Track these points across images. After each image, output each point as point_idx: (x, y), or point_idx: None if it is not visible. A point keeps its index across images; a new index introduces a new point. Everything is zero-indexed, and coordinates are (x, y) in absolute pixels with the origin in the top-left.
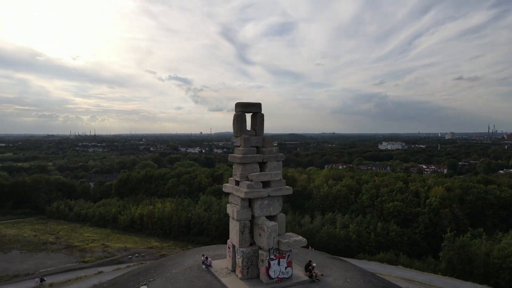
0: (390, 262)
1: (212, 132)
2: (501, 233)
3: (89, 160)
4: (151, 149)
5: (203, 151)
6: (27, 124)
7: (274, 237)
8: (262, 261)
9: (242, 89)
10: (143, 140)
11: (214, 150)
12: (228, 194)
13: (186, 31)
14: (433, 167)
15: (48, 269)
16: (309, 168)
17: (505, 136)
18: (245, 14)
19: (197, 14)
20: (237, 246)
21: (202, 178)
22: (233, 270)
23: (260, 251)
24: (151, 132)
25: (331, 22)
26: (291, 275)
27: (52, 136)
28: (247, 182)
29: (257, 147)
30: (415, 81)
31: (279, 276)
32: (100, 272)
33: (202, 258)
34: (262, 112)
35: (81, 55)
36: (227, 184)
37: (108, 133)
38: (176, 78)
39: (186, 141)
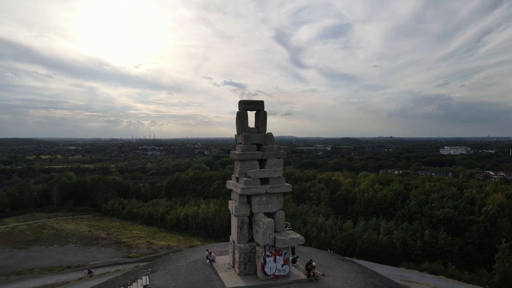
0: (436, 272)
1: None
2: None
3: (147, 163)
4: (206, 152)
5: None
6: (95, 128)
7: (270, 234)
8: (258, 257)
9: (296, 93)
10: (198, 144)
11: None
12: None
13: (241, 36)
14: (502, 173)
15: (97, 262)
16: (362, 172)
17: None
18: (299, 17)
19: (251, 20)
20: (235, 241)
21: None
22: (233, 266)
23: (257, 248)
24: (206, 136)
25: (389, 22)
26: (288, 273)
27: (116, 140)
28: (245, 178)
29: (260, 144)
30: (484, 81)
31: (275, 273)
32: (136, 266)
33: (206, 253)
34: (265, 109)
35: (143, 63)
36: (229, 181)
37: (166, 137)
38: (231, 83)
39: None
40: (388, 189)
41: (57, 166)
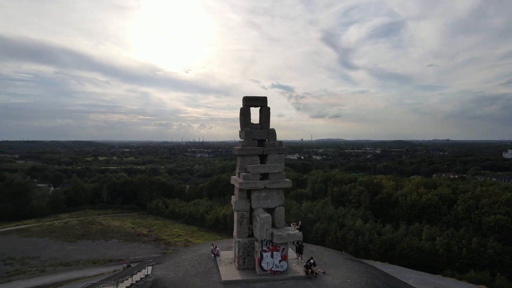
0: (479, 282)
1: (313, 139)
2: None
3: (194, 165)
4: None
5: (302, 157)
6: (148, 131)
7: (267, 229)
8: (256, 252)
9: (344, 95)
10: None
11: (312, 156)
12: (307, 198)
13: (288, 39)
14: None
15: (136, 257)
16: (413, 176)
17: None
18: (347, 17)
19: (299, 22)
20: (235, 236)
21: None
22: (235, 260)
23: (255, 243)
24: None
25: (446, 18)
26: (286, 269)
27: (167, 142)
28: (244, 173)
29: (262, 140)
30: None
31: (272, 269)
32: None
33: (212, 247)
34: (268, 106)
35: (192, 68)
36: (233, 176)
37: (214, 140)
38: (279, 86)
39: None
40: (433, 193)
41: (112, 167)
